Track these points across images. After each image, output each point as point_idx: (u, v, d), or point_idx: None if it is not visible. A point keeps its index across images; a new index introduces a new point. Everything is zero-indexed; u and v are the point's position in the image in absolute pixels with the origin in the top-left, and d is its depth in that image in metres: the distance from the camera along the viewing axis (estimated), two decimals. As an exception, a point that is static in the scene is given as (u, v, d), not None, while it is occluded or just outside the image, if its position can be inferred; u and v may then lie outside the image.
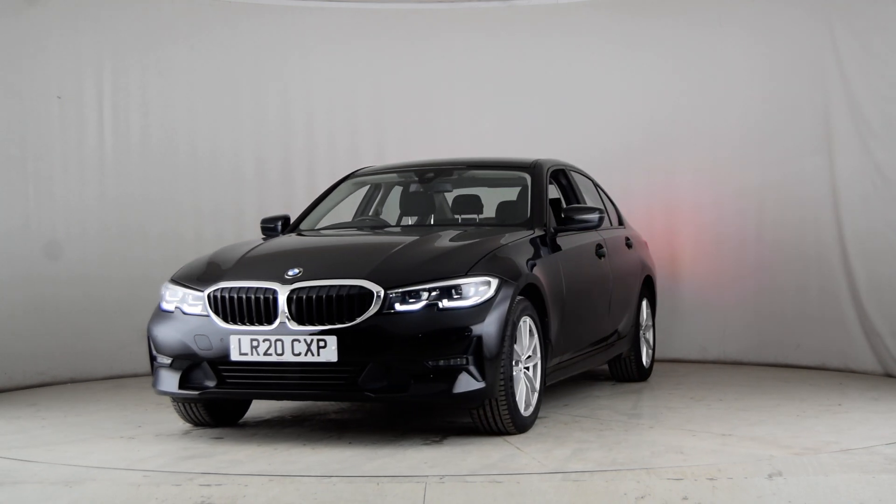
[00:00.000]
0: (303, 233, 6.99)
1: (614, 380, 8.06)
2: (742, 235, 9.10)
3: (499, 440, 5.65)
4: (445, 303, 5.43)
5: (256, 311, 5.53)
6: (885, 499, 4.55)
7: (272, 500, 4.56)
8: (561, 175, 7.35)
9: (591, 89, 9.54)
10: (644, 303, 8.08)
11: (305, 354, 5.41)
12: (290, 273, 5.58)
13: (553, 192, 7.23)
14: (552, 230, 6.58)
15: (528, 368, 5.88)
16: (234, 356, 5.53)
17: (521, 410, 5.74)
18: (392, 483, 4.75)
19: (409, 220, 7.43)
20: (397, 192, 7.70)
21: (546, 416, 6.40)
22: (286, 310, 5.46)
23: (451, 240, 6.12)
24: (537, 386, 5.95)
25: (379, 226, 7.38)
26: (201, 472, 4.98)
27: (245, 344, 5.50)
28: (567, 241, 6.73)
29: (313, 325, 5.43)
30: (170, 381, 5.77)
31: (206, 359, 5.62)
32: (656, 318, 8.55)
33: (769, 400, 7.10)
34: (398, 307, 5.41)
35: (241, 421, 6.45)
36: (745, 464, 5.03)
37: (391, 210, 7.67)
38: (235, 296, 5.59)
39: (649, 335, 8.26)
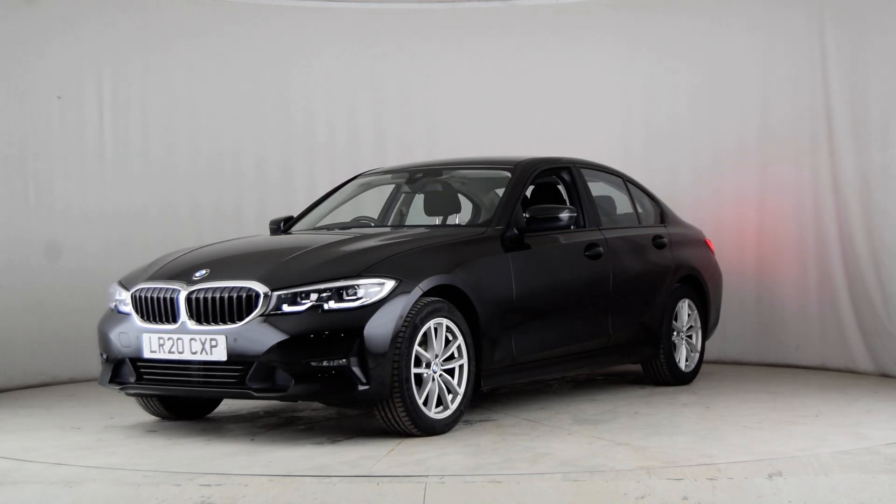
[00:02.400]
0: (289, 231, 7.26)
1: (648, 383, 7.79)
2: (742, 235, 9.10)
3: (391, 439, 5.70)
4: (332, 304, 5.55)
5: (165, 310, 5.82)
6: (885, 499, 4.55)
7: (272, 500, 4.56)
8: (564, 173, 7.26)
9: (591, 89, 9.53)
10: (685, 304, 7.84)
11: (201, 353, 5.65)
12: (197, 274, 5.84)
13: (556, 191, 7.21)
14: (515, 230, 6.53)
15: (449, 371, 5.90)
16: (146, 353, 5.84)
17: (428, 412, 5.75)
18: (392, 483, 4.75)
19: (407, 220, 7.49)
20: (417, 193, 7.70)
21: (481, 419, 6.37)
22: (185, 310, 5.71)
23: (374, 241, 6.19)
24: (461, 389, 5.94)
25: (363, 226, 7.34)
26: (201, 472, 4.98)
27: (154, 342, 5.81)
28: (540, 240, 6.67)
29: (209, 324, 5.65)
30: (104, 375, 6.13)
31: (127, 356, 5.93)
32: (711, 320, 8.21)
33: (769, 400, 7.10)
34: (285, 308, 5.56)
35: (239, 421, 6.46)
36: (745, 464, 5.03)
37: (417, 209, 7.65)
38: (148, 296, 5.91)
39: (696, 337, 7.97)
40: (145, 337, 5.83)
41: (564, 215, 6.56)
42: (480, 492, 4.61)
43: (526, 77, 9.61)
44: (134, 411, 6.84)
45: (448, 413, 5.88)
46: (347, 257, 5.87)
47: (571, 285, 6.87)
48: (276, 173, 9.42)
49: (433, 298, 5.80)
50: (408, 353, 5.61)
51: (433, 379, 5.80)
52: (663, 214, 8.09)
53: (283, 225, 7.38)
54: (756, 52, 9.00)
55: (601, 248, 7.08)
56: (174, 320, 5.77)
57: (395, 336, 5.56)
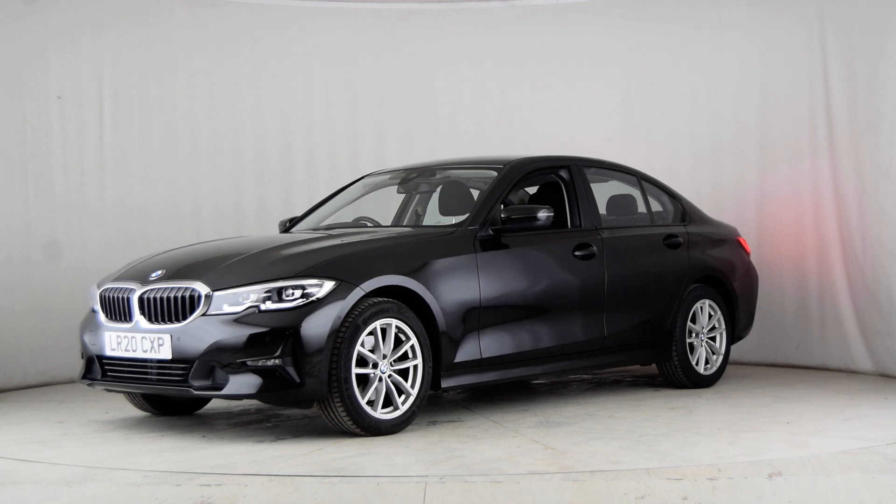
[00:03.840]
0: (290, 231, 7.36)
1: (665, 385, 7.66)
2: (741, 235, 9.10)
3: (341, 439, 5.72)
4: (269, 305, 5.67)
5: (122, 310, 6.05)
6: (885, 499, 4.55)
7: (272, 500, 4.56)
8: (563, 172, 7.22)
9: (591, 89, 9.53)
10: (705, 305, 7.68)
11: (150, 351, 5.85)
12: (153, 275, 6.03)
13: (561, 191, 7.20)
14: (490, 230, 6.53)
15: (404, 371, 5.94)
16: (107, 351, 6.08)
17: (373, 412, 5.78)
18: (392, 483, 4.75)
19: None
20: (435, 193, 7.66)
21: (449, 420, 6.37)
22: (138, 309, 5.93)
23: (326, 242, 6.24)
24: (413, 390, 5.96)
25: (361, 226, 7.31)
26: (201, 472, 4.98)
27: (114, 340, 6.04)
28: (522, 240, 6.64)
29: (158, 323, 5.85)
30: (79, 371, 6.36)
31: (94, 353, 6.18)
32: (740, 322, 8.03)
33: (769, 400, 7.10)
34: (225, 308, 5.70)
35: (239, 420, 6.46)
36: (745, 464, 5.03)
37: (434, 210, 7.62)
38: (110, 295, 6.15)
39: (719, 340, 7.81)
40: (107, 335, 6.07)
41: (542, 215, 6.54)
42: (480, 492, 4.61)
43: (526, 77, 9.61)
44: (134, 411, 6.85)
45: (397, 413, 5.90)
46: (291, 259, 5.96)
47: (555, 285, 6.80)
48: (275, 172, 9.42)
49: (380, 299, 5.86)
50: (347, 353, 5.67)
51: (380, 379, 5.84)
52: (685, 213, 7.96)
53: (289, 224, 7.51)
54: (755, 52, 9.00)
55: (595, 248, 7.02)
56: (130, 319, 5.98)
57: (334, 336, 5.64)
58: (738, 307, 7.98)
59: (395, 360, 5.91)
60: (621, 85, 9.49)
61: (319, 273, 5.75)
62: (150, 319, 5.88)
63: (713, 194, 9.17)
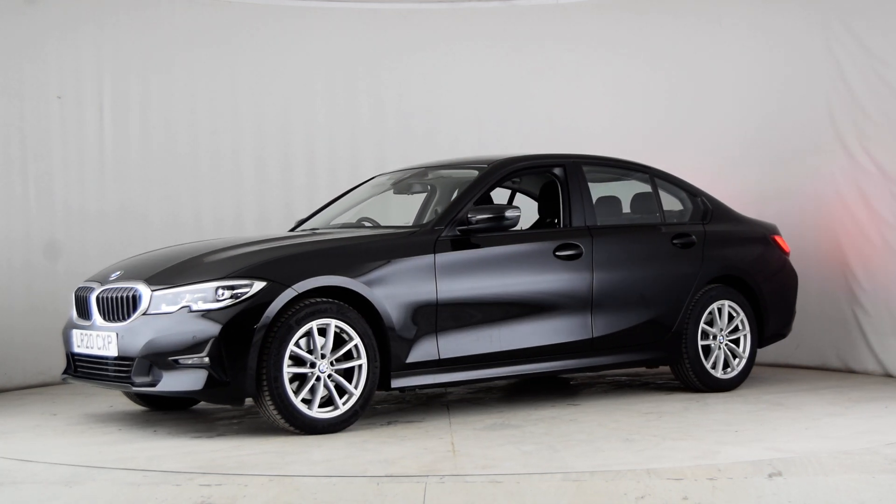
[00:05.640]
0: (294, 231, 7.43)
1: (679, 389, 7.50)
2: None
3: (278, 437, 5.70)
4: (200, 305, 5.84)
5: (84, 309, 6.37)
6: (886, 499, 4.55)
7: (272, 499, 4.56)
8: (559, 171, 7.18)
9: (591, 89, 9.53)
10: (724, 306, 7.48)
11: (102, 349, 6.13)
12: (113, 276, 6.32)
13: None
14: (458, 230, 6.53)
15: (349, 370, 6.01)
16: (75, 348, 6.39)
17: (308, 411, 5.88)
18: (392, 483, 4.75)
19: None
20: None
21: (408, 420, 6.39)
22: (96, 308, 6.23)
23: (269, 244, 6.37)
24: (356, 390, 6.01)
25: (360, 227, 7.32)
26: (201, 472, 4.98)
27: (78, 337, 6.35)
28: (495, 240, 6.63)
29: (110, 322, 6.13)
30: (64, 368, 6.66)
31: (68, 350, 6.50)
32: (770, 325, 7.76)
33: (769, 400, 7.10)
34: (163, 308, 5.93)
35: (238, 420, 6.46)
36: (745, 464, 5.03)
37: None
38: (79, 294, 6.49)
39: (744, 343, 7.56)
40: (74, 332, 6.40)
41: (509, 214, 6.56)
42: (480, 492, 4.61)
43: (526, 77, 9.61)
44: (135, 412, 6.85)
45: (337, 413, 5.98)
46: (228, 261, 6.10)
47: (528, 285, 6.75)
48: (275, 173, 9.42)
49: (318, 299, 5.94)
50: (278, 352, 5.78)
51: (318, 378, 5.91)
52: (707, 211, 7.77)
53: (298, 223, 7.63)
54: (757, 53, 8.99)
55: (582, 248, 6.94)
56: (90, 318, 6.29)
57: (263, 335, 5.77)
58: (767, 309, 7.72)
59: (339, 360, 6.00)
60: (622, 84, 9.48)
61: (251, 274, 5.91)
62: (104, 318, 6.17)
63: (714, 194, 9.13)
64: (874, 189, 8.18)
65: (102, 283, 6.29)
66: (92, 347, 6.20)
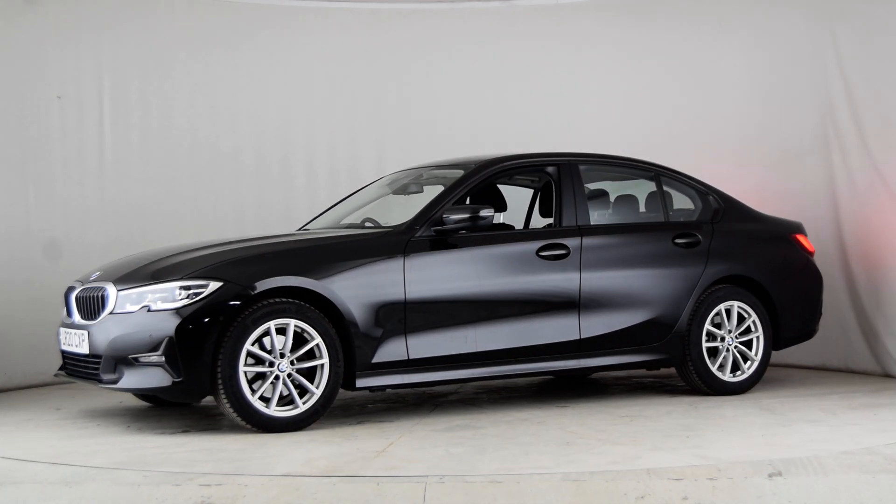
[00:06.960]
0: (302, 229, 7.52)
1: (685, 391, 7.38)
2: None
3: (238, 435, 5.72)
4: (159, 304, 5.98)
5: (68, 308, 6.54)
6: (885, 499, 4.55)
7: (272, 499, 4.56)
8: (553, 170, 7.13)
9: (591, 89, 9.53)
10: (732, 307, 7.31)
11: (77, 346, 6.32)
12: (93, 276, 6.48)
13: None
14: (433, 231, 6.54)
15: (311, 370, 6.09)
16: (62, 346, 6.57)
17: (266, 410, 5.97)
18: (392, 483, 4.75)
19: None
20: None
21: (378, 421, 6.38)
22: (75, 307, 6.42)
23: (231, 245, 6.47)
24: (318, 389, 6.08)
25: (361, 227, 7.33)
26: (201, 472, 4.98)
27: (63, 336, 6.52)
28: (474, 241, 6.61)
29: (85, 320, 6.30)
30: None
31: (59, 348, 6.64)
32: (787, 327, 7.57)
33: (769, 400, 7.10)
34: (127, 308, 6.08)
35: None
36: (745, 464, 5.03)
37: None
38: (66, 294, 6.61)
39: (756, 345, 7.37)
40: (61, 331, 6.58)
41: (483, 213, 6.56)
42: (480, 492, 4.61)
43: (526, 77, 9.60)
44: (135, 411, 6.85)
45: (297, 411, 6.06)
46: (189, 262, 6.22)
47: (508, 286, 6.70)
48: (275, 173, 9.42)
49: (277, 300, 6.02)
50: (233, 351, 5.89)
51: (277, 377, 6.00)
52: (718, 210, 7.61)
53: (308, 223, 7.70)
54: (756, 53, 9.00)
55: (569, 248, 6.88)
56: (72, 316, 6.47)
57: (217, 334, 5.88)
58: (783, 310, 7.52)
59: (302, 359, 6.06)
60: (622, 84, 9.48)
61: (207, 275, 6.03)
62: (81, 317, 6.35)
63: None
64: (873, 189, 8.18)
65: (84, 283, 6.45)
66: (72, 345, 6.37)
